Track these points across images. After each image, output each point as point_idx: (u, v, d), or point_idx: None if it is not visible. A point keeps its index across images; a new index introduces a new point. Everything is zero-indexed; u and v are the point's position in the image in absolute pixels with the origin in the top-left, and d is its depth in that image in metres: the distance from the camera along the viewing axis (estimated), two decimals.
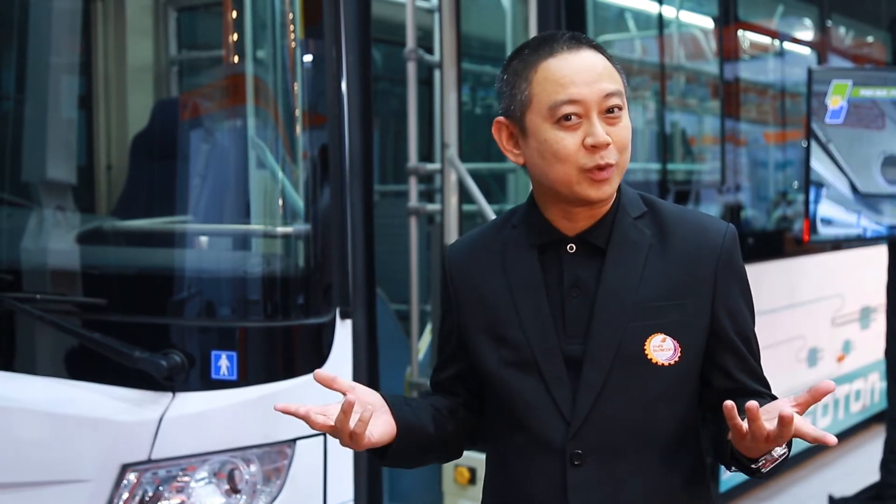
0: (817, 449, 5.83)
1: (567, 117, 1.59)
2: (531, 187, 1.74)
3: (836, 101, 4.38)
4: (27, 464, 2.76)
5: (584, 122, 1.60)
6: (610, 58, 1.66)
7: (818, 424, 5.66)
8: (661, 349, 1.64)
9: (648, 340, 1.64)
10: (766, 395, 1.71)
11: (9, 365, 2.93)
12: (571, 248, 1.68)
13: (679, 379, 1.66)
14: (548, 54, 1.62)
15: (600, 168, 1.60)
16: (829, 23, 5.88)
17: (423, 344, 4.12)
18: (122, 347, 2.66)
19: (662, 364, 1.64)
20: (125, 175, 3.40)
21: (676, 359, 1.64)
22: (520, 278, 1.69)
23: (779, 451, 1.54)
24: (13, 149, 3.26)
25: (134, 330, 2.75)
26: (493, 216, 3.67)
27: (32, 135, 3.23)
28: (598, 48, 1.66)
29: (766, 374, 1.77)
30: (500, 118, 1.69)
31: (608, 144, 1.60)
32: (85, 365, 2.82)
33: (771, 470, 1.58)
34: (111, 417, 2.68)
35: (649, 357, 1.63)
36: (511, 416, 1.69)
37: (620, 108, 1.62)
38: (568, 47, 1.62)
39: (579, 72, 1.60)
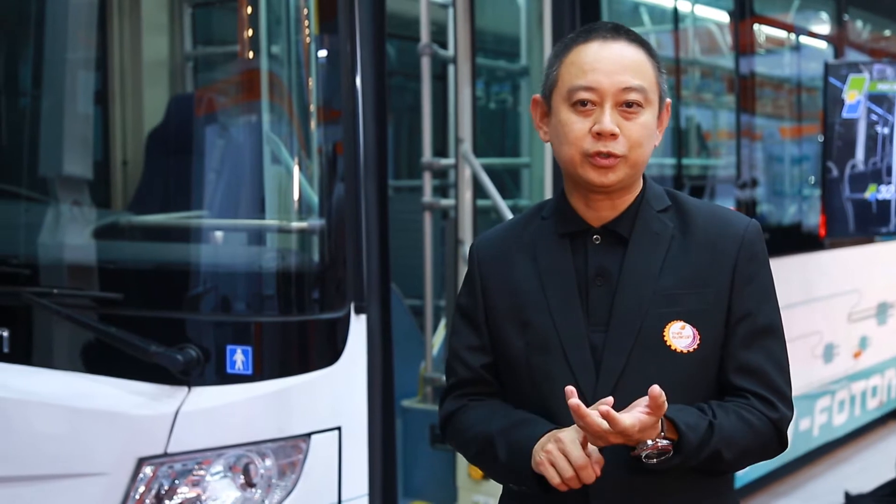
0: (833, 445, 5.80)
1: (583, 103, 1.65)
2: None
3: (853, 96, 4.36)
4: (44, 457, 2.78)
5: (597, 109, 1.64)
6: (651, 54, 1.69)
7: (834, 421, 5.64)
8: (681, 336, 1.65)
9: (668, 327, 1.66)
10: (754, 395, 1.67)
11: (26, 359, 2.95)
12: (597, 238, 1.71)
13: (698, 366, 1.67)
14: (583, 40, 1.68)
15: (602, 155, 1.63)
16: (846, 16, 5.85)
17: (437, 339, 4.12)
18: (139, 342, 2.68)
19: (681, 351, 1.65)
20: (141, 170, 3.42)
21: (695, 346, 1.66)
22: (550, 266, 1.72)
23: (651, 441, 1.56)
24: (30, 144, 3.27)
25: (150, 324, 2.76)
26: (507, 211, 3.67)
27: (49, 130, 3.25)
28: (638, 41, 1.69)
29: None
30: (537, 96, 1.75)
31: (612, 134, 1.63)
32: (101, 359, 2.83)
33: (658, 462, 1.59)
34: (127, 411, 2.69)
35: (668, 343, 1.65)
36: (535, 401, 1.71)
37: (640, 105, 1.65)
38: (603, 37, 1.67)
39: (603, 60, 1.65)
